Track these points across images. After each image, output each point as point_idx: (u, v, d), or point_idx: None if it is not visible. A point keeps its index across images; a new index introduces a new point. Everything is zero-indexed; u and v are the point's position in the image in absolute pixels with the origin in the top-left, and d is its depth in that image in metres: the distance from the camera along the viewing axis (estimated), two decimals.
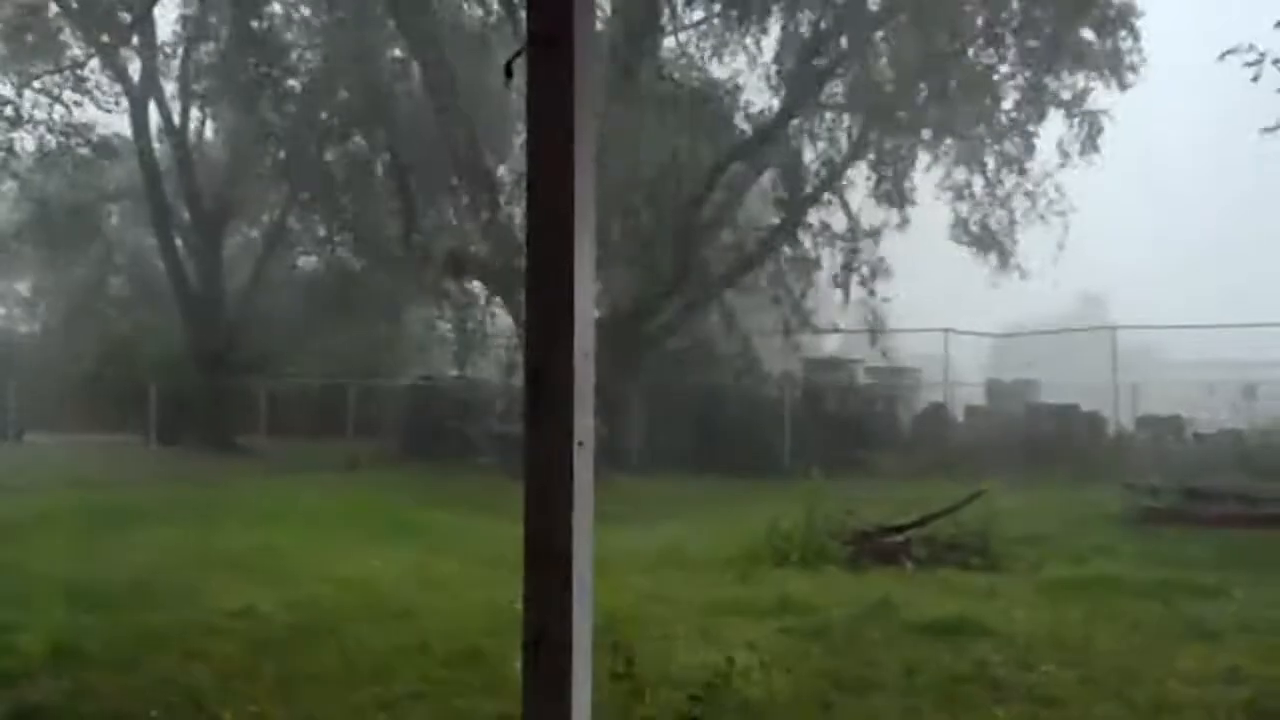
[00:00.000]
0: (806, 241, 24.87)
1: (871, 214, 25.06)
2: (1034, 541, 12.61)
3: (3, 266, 42.66)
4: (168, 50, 31.04)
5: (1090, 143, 24.47)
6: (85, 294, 40.09)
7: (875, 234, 24.78)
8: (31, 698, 6.28)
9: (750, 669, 6.51)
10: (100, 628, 8.01)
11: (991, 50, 23.54)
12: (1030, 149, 25.18)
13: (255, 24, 26.96)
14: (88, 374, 34.42)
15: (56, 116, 28.66)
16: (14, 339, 43.72)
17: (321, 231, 28.82)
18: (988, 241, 26.08)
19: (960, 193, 26.13)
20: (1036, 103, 24.55)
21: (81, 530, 13.00)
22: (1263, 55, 16.51)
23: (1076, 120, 24.51)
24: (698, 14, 24.57)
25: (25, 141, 28.84)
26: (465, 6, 25.51)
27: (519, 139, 24.01)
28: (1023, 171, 25.39)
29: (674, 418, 24.37)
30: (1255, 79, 16.88)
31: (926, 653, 7.52)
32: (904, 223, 24.97)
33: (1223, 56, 17.97)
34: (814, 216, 24.82)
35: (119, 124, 31.09)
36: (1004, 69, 24.05)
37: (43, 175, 30.33)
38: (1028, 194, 25.55)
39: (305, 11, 27.80)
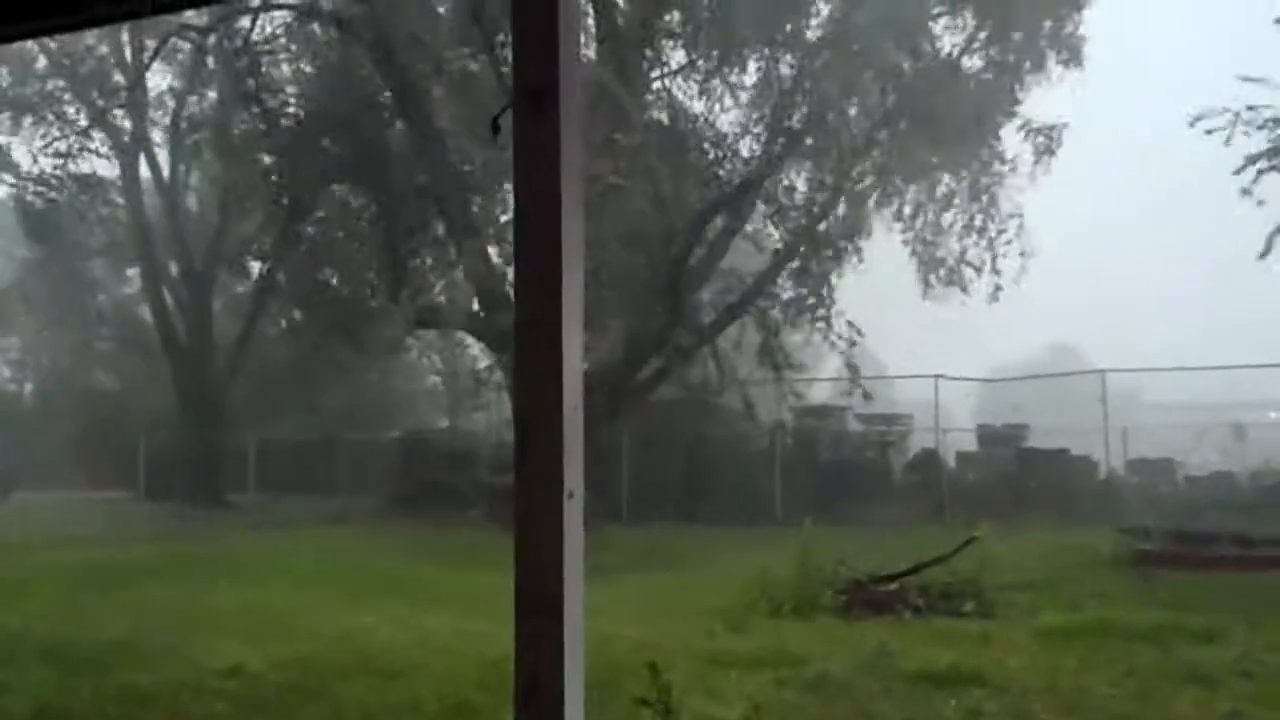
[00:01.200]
0: (792, 287, 24.91)
1: (868, 256, 25.09)
2: (1028, 587, 12.58)
3: None
4: (159, 105, 31.29)
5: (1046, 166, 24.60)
6: (74, 351, 40.10)
7: (864, 272, 24.84)
8: None
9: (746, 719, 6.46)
10: (86, 689, 7.92)
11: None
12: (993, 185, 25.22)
13: (250, 81, 27.16)
14: (76, 431, 34.33)
15: (59, 175, 28.87)
16: (3, 397, 43.62)
17: (309, 284, 28.84)
18: (961, 283, 26.05)
19: (925, 235, 26.14)
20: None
21: (69, 589, 12.89)
22: (1237, 116, 16.83)
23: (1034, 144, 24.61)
24: (680, 58, 24.68)
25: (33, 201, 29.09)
26: (452, 60, 25.68)
27: (507, 189, 24.10)
28: (987, 212, 25.42)
29: (664, 467, 24.34)
30: (1227, 143, 17.22)
31: (923, 703, 7.48)
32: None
33: (1193, 123, 18.35)
34: (799, 262, 24.88)
35: (109, 173, 31.35)
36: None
37: (34, 233, 30.36)
38: (988, 235, 25.52)
39: (295, 67, 27.98)
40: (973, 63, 24.67)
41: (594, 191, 18.11)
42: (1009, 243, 25.01)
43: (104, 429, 32.94)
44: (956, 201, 25.68)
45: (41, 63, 29.60)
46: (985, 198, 25.26)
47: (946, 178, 25.53)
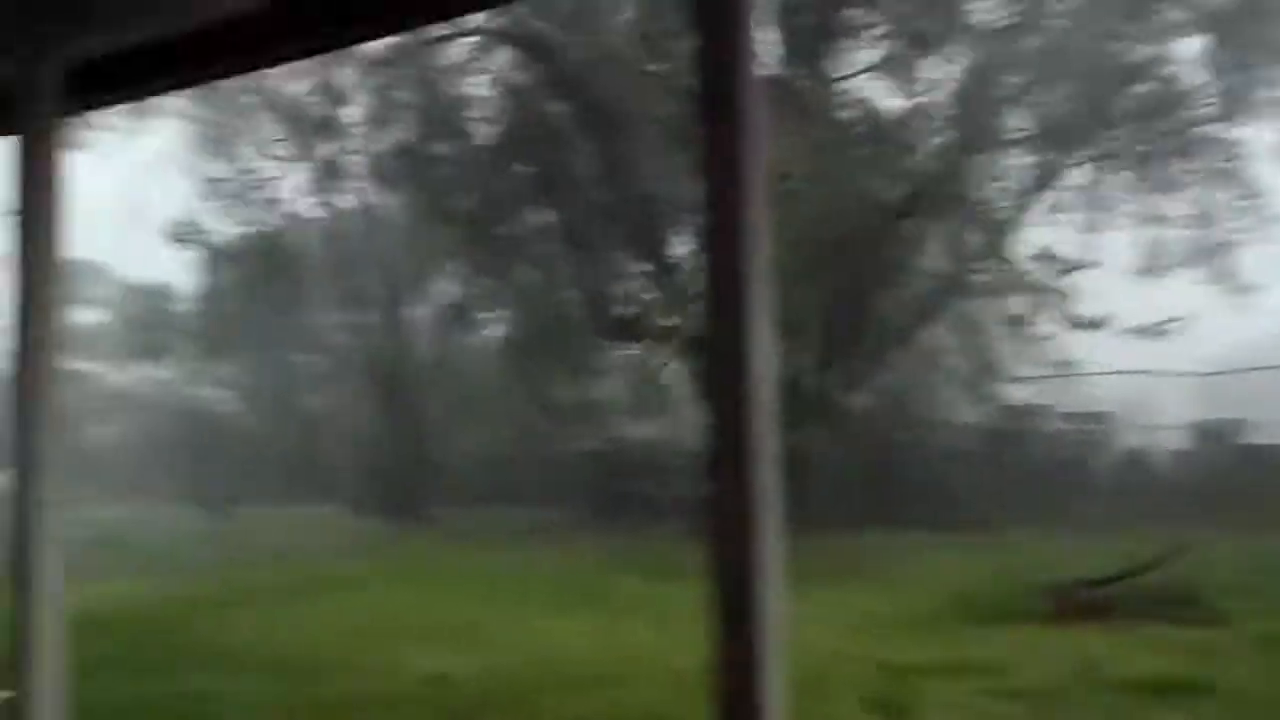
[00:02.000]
0: (992, 284, 24.20)
1: (1063, 248, 24.17)
2: (1248, 593, 11.93)
3: (212, 351, 44.95)
4: (352, 133, 32.55)
5: None
6: (282, 373, 42.01)
7: (1068, 270, 23.88)
8: None
9: None
10: (301, 696, 8.23)
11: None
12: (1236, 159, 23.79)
13: (439, 108, 28.07)
14: (288, 449, 35.90)
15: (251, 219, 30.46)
16: (221, 418, 45.91)
17: (500, 301, 29.52)
18: (1195, 266, 24.70)
19: (1158, 217, 24.91)
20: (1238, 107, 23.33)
21: (283, 601, 13.43)
22: None
23: None
24: (868, 53, 24.17)
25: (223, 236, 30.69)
26: (636, 72, 25.91)
27: (694, 198, 24.14)
28: (1230, 187, 23.99)
29: (860, 474, 23.97)
30: None
31: (1140, 713, 7.17)
32: (1096, 258, 23.96)
33: None
34: (1001, 255, 24.12)
35: (308, 211, 32.74)
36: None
37: (237, 263, 31.92)
38: (1238, 209, 24.10)
39: (482, 91, 28.71)
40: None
41: (781, 192, 17.96)
42: (1246, 229, 23.81)
43: (312, 447, 34.35)
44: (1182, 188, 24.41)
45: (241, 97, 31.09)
46: (1223, 179, 24.04)
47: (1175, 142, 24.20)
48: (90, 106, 4.31)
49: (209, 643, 10.51)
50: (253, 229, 30.64)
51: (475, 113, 28.99)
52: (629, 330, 24.66)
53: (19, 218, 3.62)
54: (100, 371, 49.77)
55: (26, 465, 3.73)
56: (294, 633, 11.13)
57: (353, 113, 32.02)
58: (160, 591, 14.51)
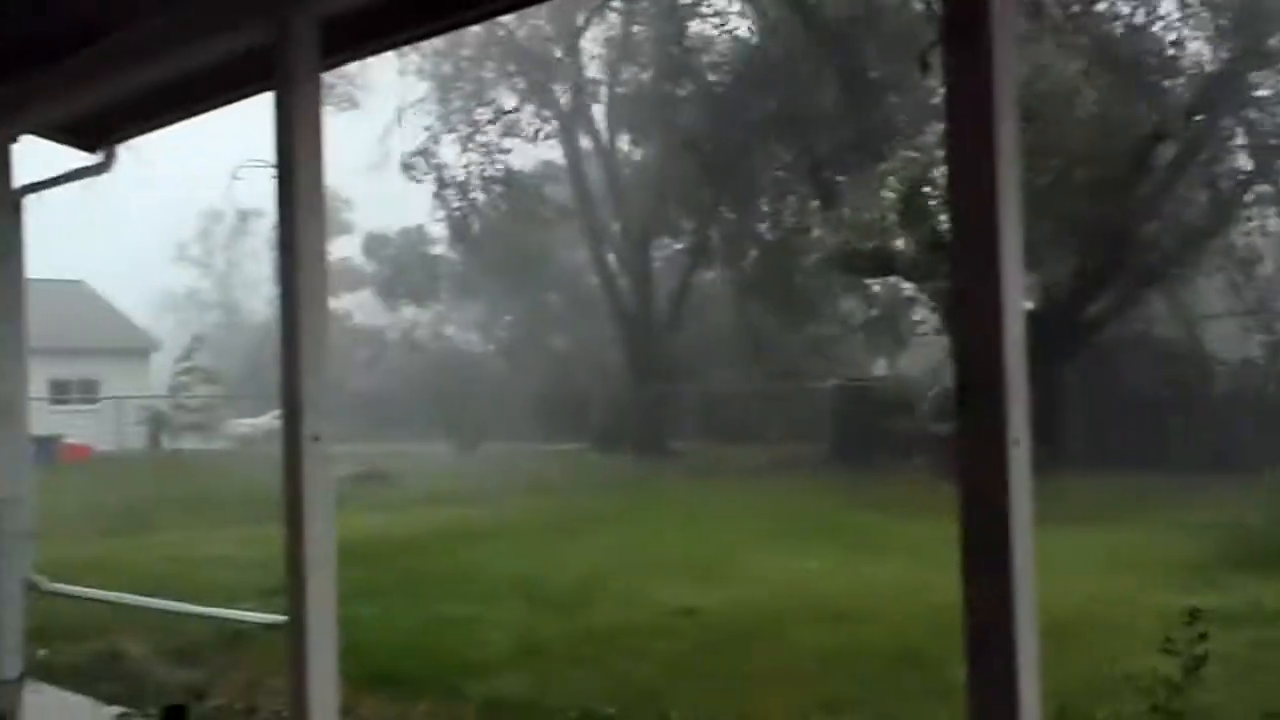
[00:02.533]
0: (1257, 215, 22.72)
1: None
2: None
3: (461, 293, 46.62)
4: (595, 76, 33.06)
5: None
6: (530, 313, 43.26)
7: None
8: (501, 689, 6.77)
9: (1216, 679, 6.02)
10: (557, 625, 8.53)
11: None
12: None
13: (677, 45, 28.15)
14: (535, 387, 37.04)
15: (493, 160, 31.20)
16: (472, 358, 47.70)
17: (744, 239, 29.50)
18: None
19: None
20: None
21: (535, 534, 13.91)
22: None
23: None
24: None
25: (470, 183, 31.56)
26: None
27: (939, 129, 23.48)
28: None
29: (1116, 411, 23.00)
30: None
31: None
32: None
33: None
34: (1273, 187, 22.56)
35: (550, 149, 33.48)
36: None
37: (484, 208, 32.81)
38: None
39: (721, 27, 28.62)
40: None
41: (1032, 120, 17.25)
42: None
43: (559, 385, 35.33)
44: None
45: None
46: None
47: None
48: (344, 59, 4.50)
49: (467, 572, 10.99)
50: (500, 173, 31.39)
51: (714, 52, 28.97)
52: (873, 263, 24.21)
53: (279, 170, 3.82)
54: (359, 314, 52.33)
55: (295, 405, 3.95)
56: (546, 564, 11.52)
57: (595, 55, 32.50)
58: (419, 524, 15.23)
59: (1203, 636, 5.27)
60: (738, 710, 6.19)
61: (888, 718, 6.06)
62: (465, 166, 31.61)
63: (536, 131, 32.48)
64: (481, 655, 7.57)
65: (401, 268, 44.57)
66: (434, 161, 31.69)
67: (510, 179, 31.61)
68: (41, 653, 7.02)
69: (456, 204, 32.62)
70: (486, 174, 31.53)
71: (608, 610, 9.02)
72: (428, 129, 32.08)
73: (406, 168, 31.87)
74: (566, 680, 6.93)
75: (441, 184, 31.96)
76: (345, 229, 47.39)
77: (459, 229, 34.35)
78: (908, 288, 25.85)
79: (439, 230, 36.35)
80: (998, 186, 2.17)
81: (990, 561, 2.18)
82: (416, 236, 43.79)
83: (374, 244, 48.14)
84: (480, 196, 32.07)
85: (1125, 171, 21.17)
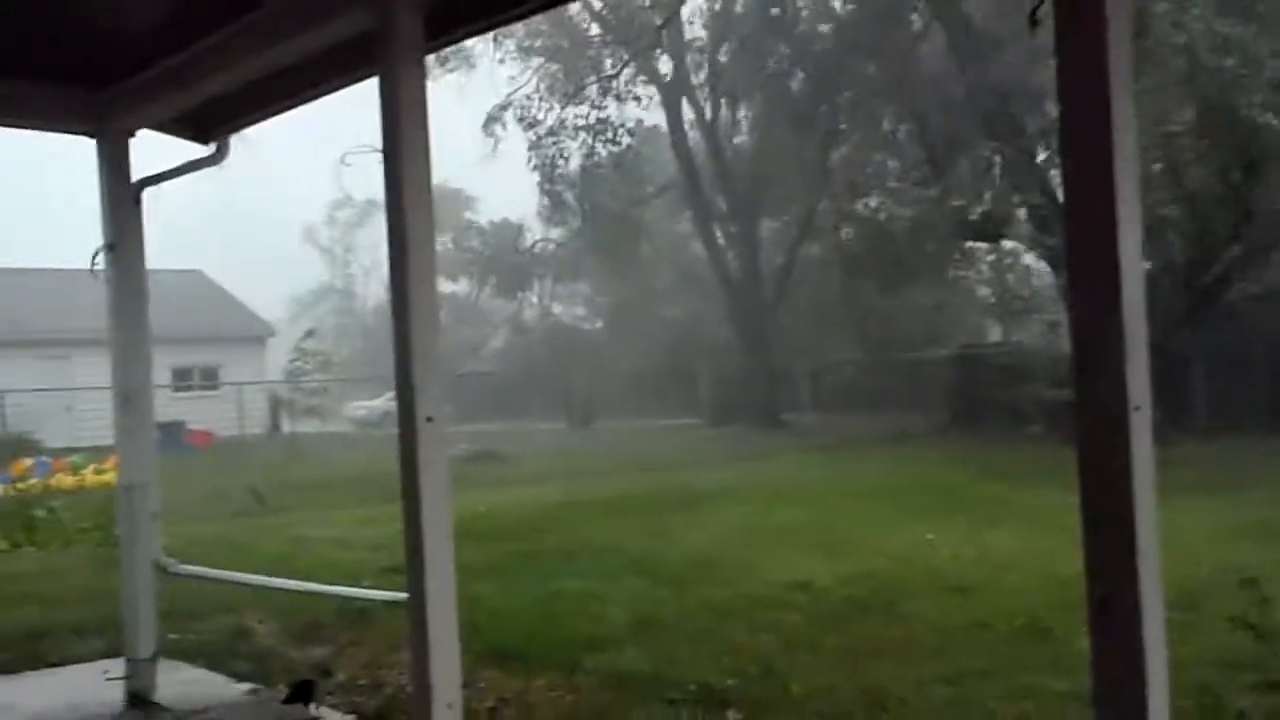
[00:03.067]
0: None
1: None
2: None
3: (569, 271, 46.98)
4: (696, 46, 32.91)
5: None
6: (636, 289, 43.39)
7: None
8: (620, 663, 6.83)
9: None
10: (673, 600, 8.56)
11: None
12: None
13: (775, 10, 27.90)
14: (643, 364, 37.17)
15: (597, 129, 31.13)
16: (580, 335, 48.07)
17: (852, 206, 29.19)
18: None
19: None
20: None
21: (650, 510, 13.97)
22: None
23: None
24: None
25: (571, 158, 31.61)
26: None
27: (1051, 89, 22.91)
28: None
29: (1243, 374, 22.32)
30: None
31: None
32: None
33: None
34: None
35: (652, 121, 33.44)
36: None
37: (586, 185, 32.84)
38: None
39: None
40: None
41: (1148, 74, 16.74)
42: None
43: (668, 360, 35.38)
44: None
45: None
46: None
47: None
48: (447, 41, 4.55)
49: (583, 549, 11.08)
50: (604, 146, 31.40)
51: (816, 13, 28.66)
52: (985, 230, 23.81)
53: (386, 154, 3.88)
54: (469, 294, 53.09)
55: (409, 387, 4.02)
56: (662, 540, 11.56)
57: (695, 22, 32.36)
58: (533, 501, 15.40)
59: None
60: (858, 683, 6.15)
61: (1010, 690, 5.96)
62: (570, 139, 31.60)
63: (638, 101, 32.45)
64: (599, 630, 7.63)
65: (504, 250, 45.06)
66: (539, 133, 31.81)
67: (614, 151, 31.58)
68: (172, 636, 7.26)
69: (560, 178, 32.71)
70: (591, 147, 31.52)
71: (724, 585, 9.02)
72: (529, 99, 32.33)
73: (497, 133, 32.12)
74: (684, 654, 6.95)
75: (546, 159, 32.06)
76: (454, 215, 48.15)
77: (563, 205, 34.48)
78: (1025, 252, 25.39)
79: (543, 208, 36.57)
80: (1114, 144, 2.11)
81: (1112, 530, 2.13)
82: (518, 217, 44.28)
83: (477, 228, 48.88)
84: (583, 169, 32.09)
85: (1247, 126, 20.41)
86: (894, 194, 26.42)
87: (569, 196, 33.79)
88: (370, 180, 4.49)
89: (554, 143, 31.53)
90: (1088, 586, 2.16)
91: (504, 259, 44.98)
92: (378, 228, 52.19)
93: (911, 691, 6.05)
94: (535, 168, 32.18)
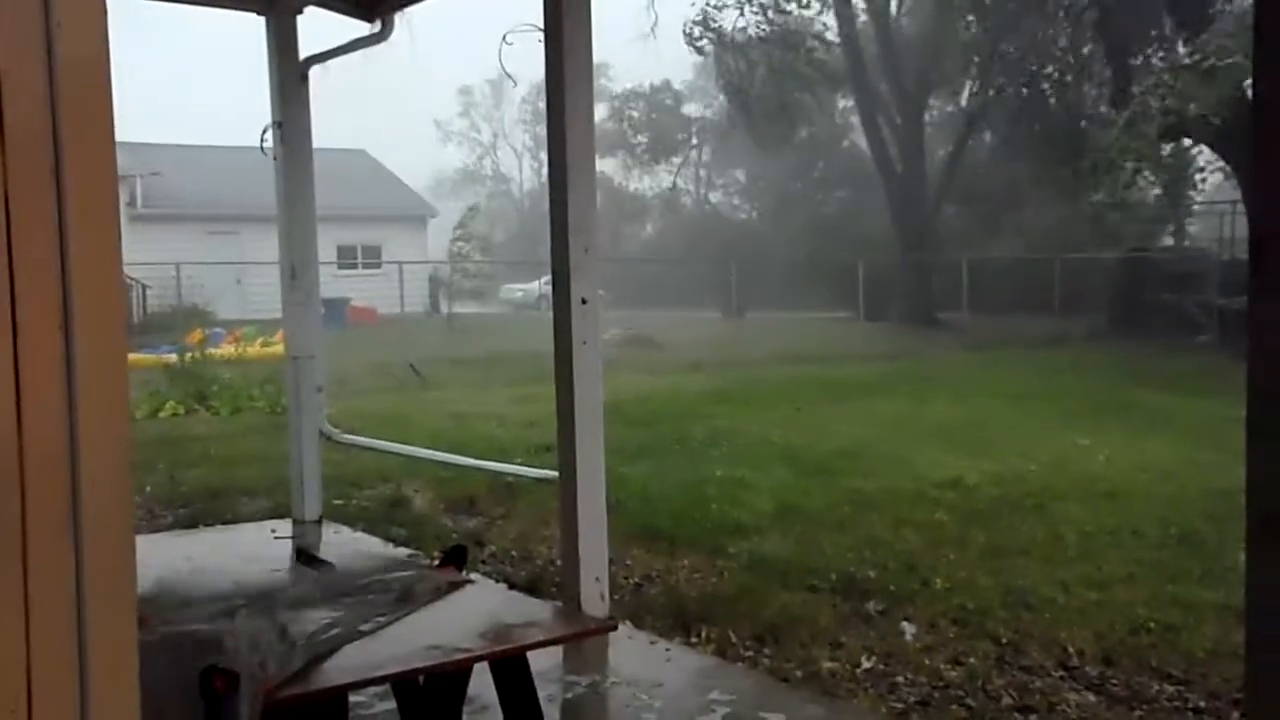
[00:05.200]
0: None
1: None
2: None
3: (725, 156, 46.40)
4: None
5: None
6: (794, 178, 42.73)
7: None
8: (763, 549, 6.92)
9: None
10: (818, 491, 8.59)
11: None
12: None
13: None
14: (799, 255, 36.79)
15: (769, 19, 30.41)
16: (734, 224, 47.67)
17: (1024, 100, 28.17)
18: None
19: None
20: None
21: (801, 401, 13.96)
22: None
23: None
24: None
25: (733, 36, 30.95)
26: None
27: None
28: None
29: None
30: None
31: None
32: None
33: None
34: None
35: (822, 14, 32.50)
36: None
37: (746, 67, 32.15)
38: None
39: None
40: None
41: None
42: None
43: (825, 252, 34.95)
44: None
45: None
46: None
47: None
48: None
49: (732, 437, 11.15)
50: (774, 33, 30.69)
51: None
52: (1161, 126, 22.76)
53: (547, 34, 3.87)
54: (618, 177, 52.87)
55: (564, 270, 4.06)
56: (811, 431, 11.57)
57: None
58: (685, 388, 15.51)
59: None
60: (1002, 581, 6.11)
61: (1158, 597, 5.86)
62: (742, 29, 30.90)
63: None
64: (744, 516, 7.72)
65: (659, 129, 44.62)
66: (713, 26, 31.20)
67: (785, 38, 30.77)
68: (336, 501, 7.58)
69: (730, 67, 32.06)
70: (761, 34, 30.76)
71: (871, 478, 9.01)
72: None
73: (686, 35, 31.56)
74: (827, 544, 6.99)
75: (719, 47, 31.46)
76: (604, 93, 47.74)
77: (733, 91, 33.79)
78: (1202, 152, 24.28)
79: (697, 86, 35.84)
80: None
81: (1276, 442, 2.06)
82: (668, 93, 43.70)
83: (629, 105, 48.35)
84: (754, 57, 31.37)
85: None
86: (1067, 89, 25.44)
87: (741, 82, 33.12)
88: (531, 62, 4.49)
89: (715, 24, 30.93)
90: (1247, 500, 2.11)
91: (660, 120, 44.60)
92: (535, 111, 52.43)
93: (1057, 592, 6.01)
94: (692, 46, 31.64)
